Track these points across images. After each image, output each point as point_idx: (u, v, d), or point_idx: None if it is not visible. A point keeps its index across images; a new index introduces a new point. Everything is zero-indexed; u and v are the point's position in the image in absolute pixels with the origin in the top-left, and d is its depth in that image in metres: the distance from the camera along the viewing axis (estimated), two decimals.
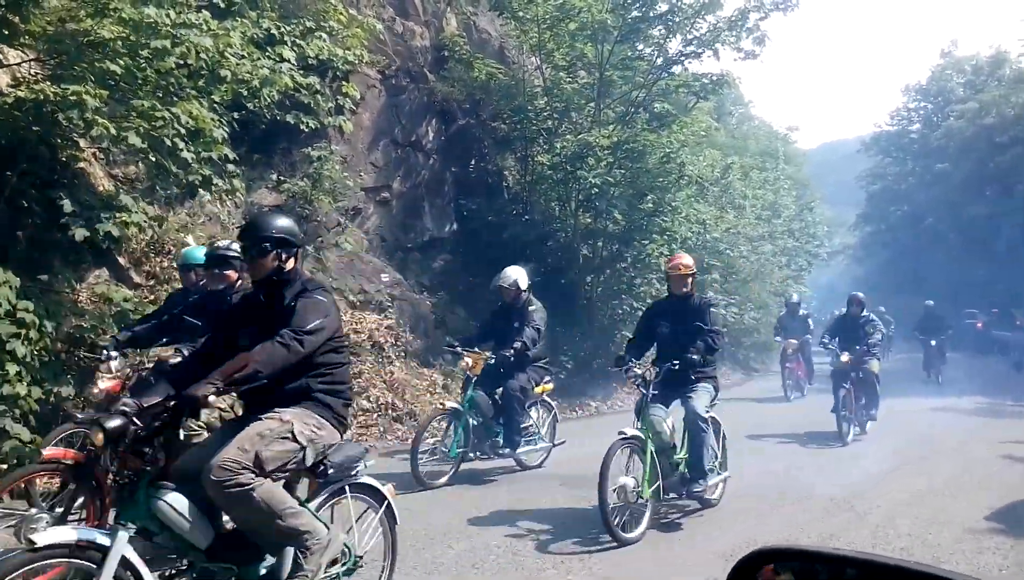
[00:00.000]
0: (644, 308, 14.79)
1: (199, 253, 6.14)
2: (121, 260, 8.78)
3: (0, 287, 6.21)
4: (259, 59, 8.91)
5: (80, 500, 4.46)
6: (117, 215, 7.48)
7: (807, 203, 31.77)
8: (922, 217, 39.76)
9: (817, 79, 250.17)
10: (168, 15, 6.99)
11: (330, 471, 3.70)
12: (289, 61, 9.85)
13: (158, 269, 9.19)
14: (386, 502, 4.10)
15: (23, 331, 6.25)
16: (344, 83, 11.90)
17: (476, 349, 7.74)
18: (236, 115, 9.33)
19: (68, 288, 7.87)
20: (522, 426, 7.71)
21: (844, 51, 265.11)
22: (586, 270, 15.27)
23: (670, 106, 15.67)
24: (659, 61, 15.88)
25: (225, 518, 3.53)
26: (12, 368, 6.12)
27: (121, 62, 6.98)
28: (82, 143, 8.12)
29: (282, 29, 10.45)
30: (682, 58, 15.70)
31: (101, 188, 8.49)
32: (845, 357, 10.45)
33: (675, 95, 16.09)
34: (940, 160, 37.96)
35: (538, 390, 8.03)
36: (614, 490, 5.41)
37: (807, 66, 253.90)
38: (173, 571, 3.44)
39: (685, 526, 6.01)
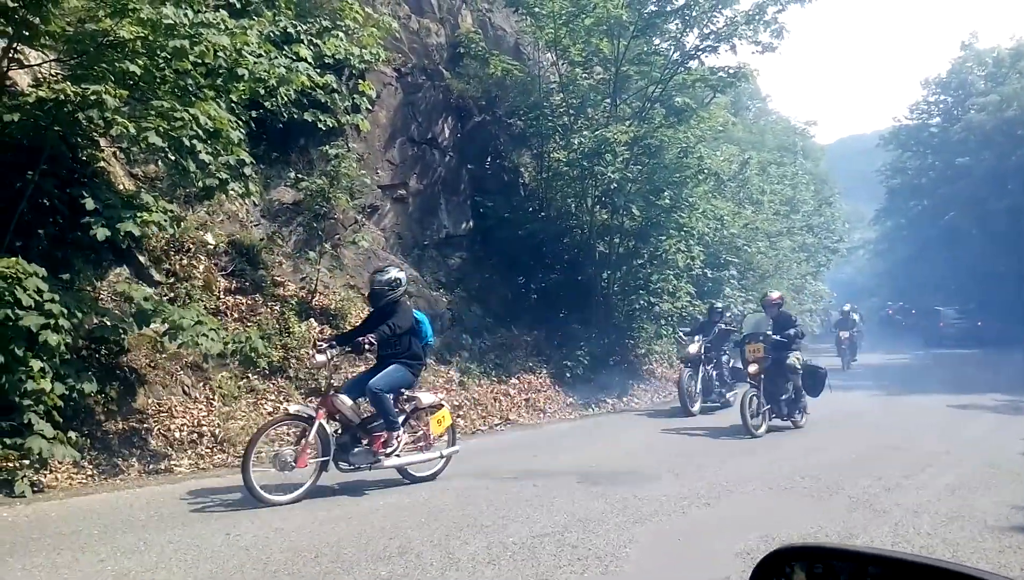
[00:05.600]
0: (660, 304, 14.92)
1: None
2: (141, 258, 8.87)
3: (28, 279, 6.29)
4: (276, 58, 8.94)
5: None
6: (138, 214, 7.54)
7: (826, 198, 31.52)
8: (943, 212, 39.34)
9: (835, 73, 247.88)
10: (186, 15, 7.04)
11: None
12: (306, 60, 9.88)
13: (178, 267, 9.27)
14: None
15: (52, 322, 6.34)
16: (360, 81, 11.94)
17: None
18: (253, 113, 9.39)
19: (89, 286, 7.96)
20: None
21: (862, 44, 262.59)
22: (602, 266, 15.24)
23: (689, 100, 15.57)
24: (675, 56, 15.79)
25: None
26: (36, 364, 6.21)
27: (140, 62, 7.05)
28: (102, 142, 8.21)
29: (299, 28, 10.50)
30: (699, 52, 15.61)
31: (121, 186, 8.58)
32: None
33: (692, 89, 15.99)
34: (960, 154, 37.52)
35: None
36: None
37: (825, 59, 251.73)
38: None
39: (703, 525, 5.99)
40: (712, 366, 13.27)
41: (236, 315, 9.64)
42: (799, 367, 10.91)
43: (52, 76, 7.63)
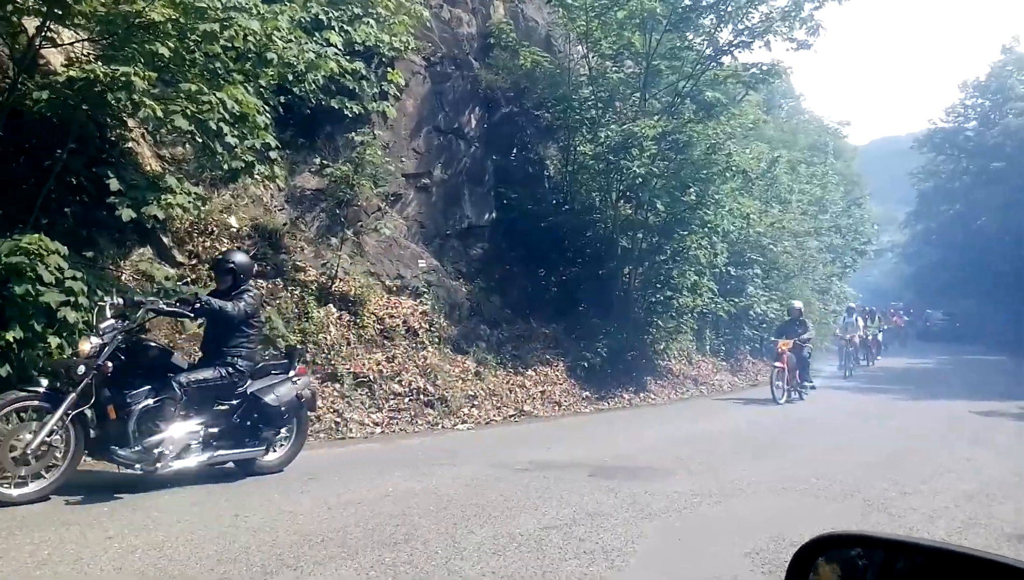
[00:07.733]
0: (678, 298, 14.84)
1: None
2: (165, 239, 8.96)
3: (50, 256, 6.39)
4: (306, 43, 8.98)
5: None
6: (163, 197, 7.62)
7: (856, 199, 31.10)
8: (975, 217, 38.74)
9: (871, 73, 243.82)
10: None
11: None
12: (335, 46, 9.91)
13: (200, 249, 9.36)
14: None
15: (72, 299, 6.44)
16: (389, 69, 11.96)
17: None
18: (281, 99, 9.44)
19: (112, 265, 8.06)
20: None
21: (900, 44, 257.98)
22: (624, 261, 15.16)
23: (720, 96, 15.42)
24: (708, 51, 15.65)
25: None
26: (54, 341, 6.32)
27: (170, 44, 7.10)
28: (130, 123, 8.29)
29: (330, 14, 10.52)
30: (732, 48, 15.45)
31: (148, 168, 8.67)
32: None
33: (723, 86, 15.82)
34: (996, 159, 36.85)
35: None
36: None
37: (861, 59, 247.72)
38: None
39: (712, 523, 5.97)
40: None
41: None
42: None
43: (83, 56, 7.71)
